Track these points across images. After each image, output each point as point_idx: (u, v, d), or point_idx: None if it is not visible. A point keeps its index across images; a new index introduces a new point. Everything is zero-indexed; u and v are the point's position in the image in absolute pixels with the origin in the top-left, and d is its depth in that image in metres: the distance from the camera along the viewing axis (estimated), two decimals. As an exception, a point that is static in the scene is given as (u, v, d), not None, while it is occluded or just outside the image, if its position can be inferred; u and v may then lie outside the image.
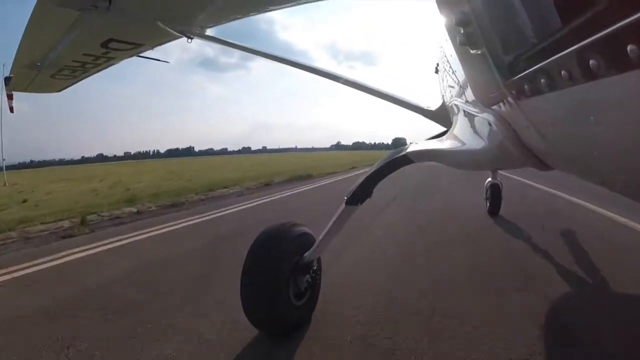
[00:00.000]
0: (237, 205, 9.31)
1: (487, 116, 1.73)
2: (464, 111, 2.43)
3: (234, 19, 3.75)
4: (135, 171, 37.65)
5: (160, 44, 4.10)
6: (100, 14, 2.90)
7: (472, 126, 2.17)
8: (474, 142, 2.12)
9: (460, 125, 2.61)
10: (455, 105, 2.95)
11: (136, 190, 14.32)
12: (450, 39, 1.78)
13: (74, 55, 3.90)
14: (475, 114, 2.00)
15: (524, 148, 1.54)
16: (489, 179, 6.98)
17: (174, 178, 22.00)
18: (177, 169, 35.66)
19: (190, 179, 19.75)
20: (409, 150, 2.74)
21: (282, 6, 3.60)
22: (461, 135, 2.44)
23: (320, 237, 2.92)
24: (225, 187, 13.67)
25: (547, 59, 0.94)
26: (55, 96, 5.70)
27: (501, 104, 1.49)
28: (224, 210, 8.43)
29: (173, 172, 30.66)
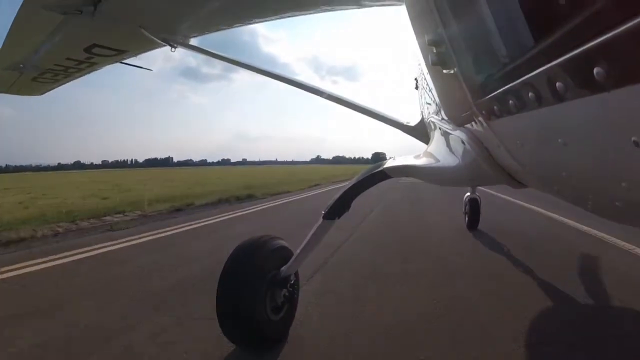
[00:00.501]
0: (74, 251, 6.20)
1: (461, 134, 1.77)
2: (440, 129, 2.51)
3: (218, 30, 3.78)
4: (79, 183, 34.99)
5: (144, 52, 4.10)
6: (85, 19, 2.89)
7: (447, 144, 2.24)
8: (449, 160, 2.18)
9: (436, 142, 2.69)
10: (432, 122, 3.04)
11: (28, 212, 11.83)
12: (424, 57, 1.80)
13: (57, 59, 3.85)
14: (450, 131, 2.05)
15: (497, 166, 1.58)
16: (468, 194, 7.11)
17: (102, 194, 19.58)
18: (127, 182, 32.44)
19: (109, 197, 16.95)
20: (386, 165, 2.80)
21: (266, 19, 3.65)
22: (437, 153, 2.51)
23: (298, 251, 2.93)
24: (122, 212, 10.91)
25: (516, 80, 0.96)
26: (36, 100, 5.52)
27: (473, 123, 1.53)
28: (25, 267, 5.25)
29: (117, 185, 28.05)
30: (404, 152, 3.51)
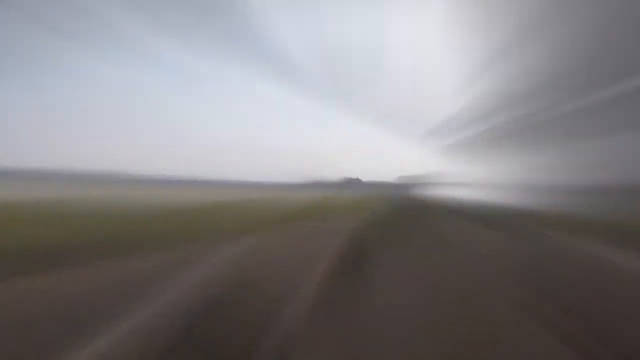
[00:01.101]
0: None
1: (516, 161, 1.44)
2: (488, 151, 2.13)
3: (206, 25, 3.32)
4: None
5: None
6: None
7: (499, 169, 1.85)
8: (492, 190, 1.80)
9: (482, 167, 2.28)
10: (476, 143, 2.67)
11: None
12: (469, 77, 1.48)
13: None
14: (502, 156, 1.70)
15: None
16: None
17: None
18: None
19: None
20: (416, 195, 2.36)
21: (262, 15, 3.26)
22: (479, 181, 2.10)
23: (292, 308, 2.24)
24: None
25: None
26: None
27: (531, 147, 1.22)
28: None
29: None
30: (436, 176, 2.95)
